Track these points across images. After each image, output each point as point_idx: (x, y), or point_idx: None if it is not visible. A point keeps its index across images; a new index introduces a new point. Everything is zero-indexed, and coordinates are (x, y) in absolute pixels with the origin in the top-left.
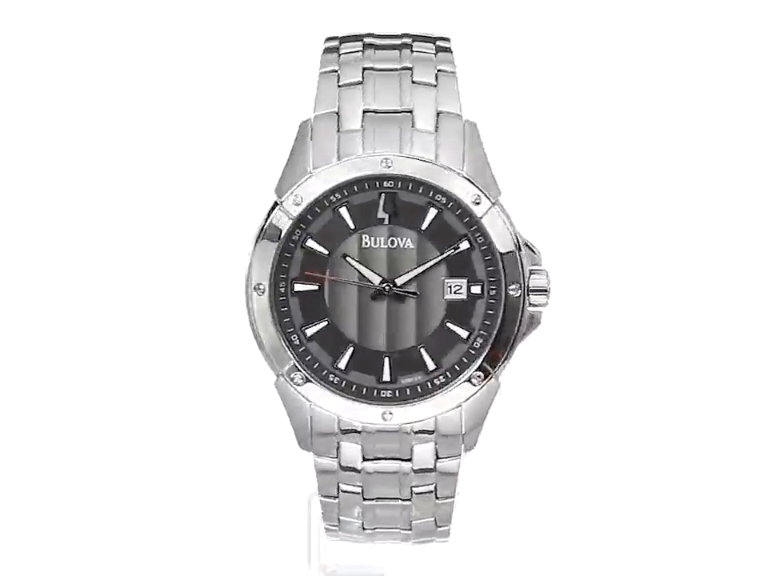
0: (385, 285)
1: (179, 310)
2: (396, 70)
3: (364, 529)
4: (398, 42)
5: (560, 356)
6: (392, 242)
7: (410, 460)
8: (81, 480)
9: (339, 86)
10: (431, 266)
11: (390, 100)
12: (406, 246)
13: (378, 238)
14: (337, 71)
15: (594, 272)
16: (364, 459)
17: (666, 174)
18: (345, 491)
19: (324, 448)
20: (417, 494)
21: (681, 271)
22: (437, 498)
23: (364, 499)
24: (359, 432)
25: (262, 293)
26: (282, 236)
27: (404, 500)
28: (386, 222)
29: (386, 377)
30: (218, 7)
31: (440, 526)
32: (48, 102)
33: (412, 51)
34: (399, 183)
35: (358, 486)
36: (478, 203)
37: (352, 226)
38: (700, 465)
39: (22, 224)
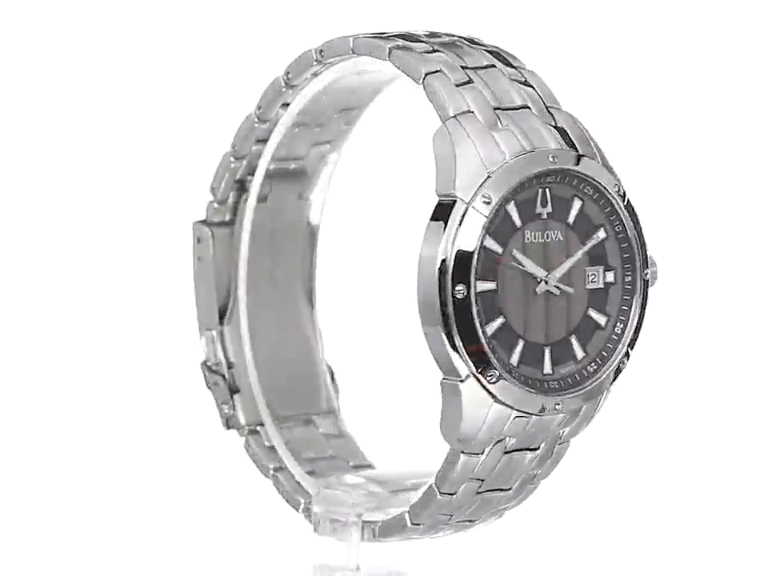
0: (548, 278)
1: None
2: (483, 67)
3: (445, 524)
4: (446, 39)
5: None
6: (547, 236)
7: (537, 449)
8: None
9: (456, 86)
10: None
11: (509, 97)
12: (557, 239)
13: (536, 233)
14: (439, 71)
15: None
16: (505, 453)
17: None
18: (466, 486)
19: (481, 447)
20: (521, 481)
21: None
22: (530, 483)
23: (476, 493)
24: (523, 425)
25: (462, 294)
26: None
27: (507, 490)
28: (542, 216)
29: (547, 369)
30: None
31: (502, 513)
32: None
33: (476, 50)
34: (558, 177)
35: (479, 482)
36: (620, 193)
37: (518, 224)
38: None
39: None
